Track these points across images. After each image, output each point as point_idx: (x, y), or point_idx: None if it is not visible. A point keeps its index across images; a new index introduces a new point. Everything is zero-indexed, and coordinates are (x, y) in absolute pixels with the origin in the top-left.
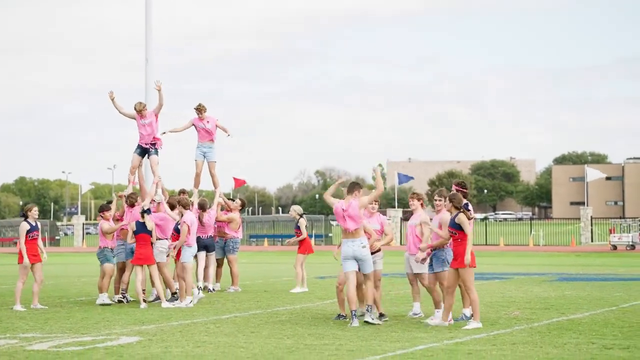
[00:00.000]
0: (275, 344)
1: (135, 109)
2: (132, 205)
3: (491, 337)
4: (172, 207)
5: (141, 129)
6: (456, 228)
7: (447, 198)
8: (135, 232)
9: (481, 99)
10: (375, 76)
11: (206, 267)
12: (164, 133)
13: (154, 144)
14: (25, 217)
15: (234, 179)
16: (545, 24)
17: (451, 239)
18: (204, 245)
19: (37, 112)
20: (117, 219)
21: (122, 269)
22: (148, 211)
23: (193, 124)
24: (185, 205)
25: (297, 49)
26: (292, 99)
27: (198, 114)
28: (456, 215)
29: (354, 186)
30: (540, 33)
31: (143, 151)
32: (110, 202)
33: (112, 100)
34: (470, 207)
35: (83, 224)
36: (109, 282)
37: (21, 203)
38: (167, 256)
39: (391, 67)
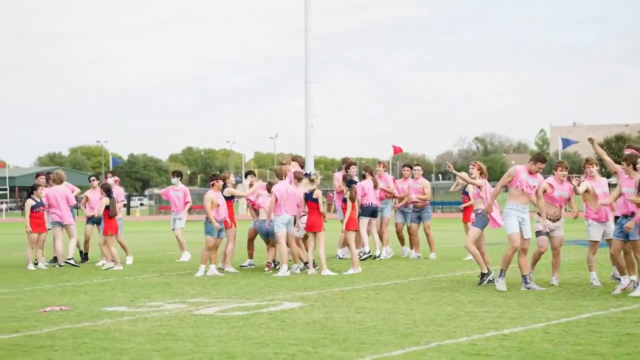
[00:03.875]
0: (436, 310)
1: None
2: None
3: None
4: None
5: None
6: None
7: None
8: (305, 200)
9: None
10: (537, 37)
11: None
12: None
13: None
14: (225, 185)
15: (393, 146)
16: None
17: None
18: (371, 212)
19: (202, 83)
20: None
21: (251, 240)
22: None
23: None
24: (279, 176)
25: (457, 13)
26: (452, 63)
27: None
28: None
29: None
30: None
31: None
32: (216, 175)
33: None
34: None
35: None
36: (214, 255)
37: (189, 172)
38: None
39: (554, 27)
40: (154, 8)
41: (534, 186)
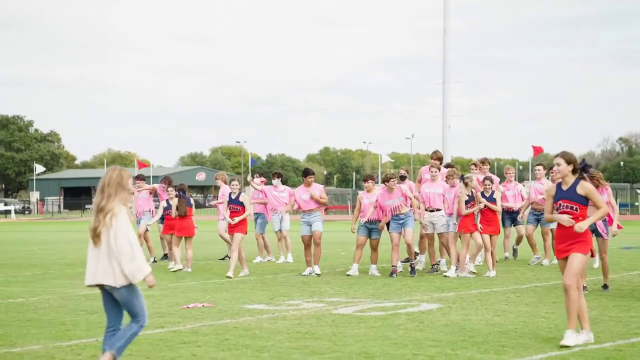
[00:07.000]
0: None
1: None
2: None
3: None
4: None
5: None
6: None
7: None
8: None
9: None
10: None
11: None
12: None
13: None
14: None
15: (533, 147)
16: None
17: None
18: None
19: (340, 84)
20: None
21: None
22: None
23: None
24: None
25: (600, 11)
26: (595, 61)
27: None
28: None
29: None
30: None
31: None
32: (370, 175)
33: None
34: None
35: None
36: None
37: (325, 172)
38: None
39: None
40: (296, 11)
41: None
